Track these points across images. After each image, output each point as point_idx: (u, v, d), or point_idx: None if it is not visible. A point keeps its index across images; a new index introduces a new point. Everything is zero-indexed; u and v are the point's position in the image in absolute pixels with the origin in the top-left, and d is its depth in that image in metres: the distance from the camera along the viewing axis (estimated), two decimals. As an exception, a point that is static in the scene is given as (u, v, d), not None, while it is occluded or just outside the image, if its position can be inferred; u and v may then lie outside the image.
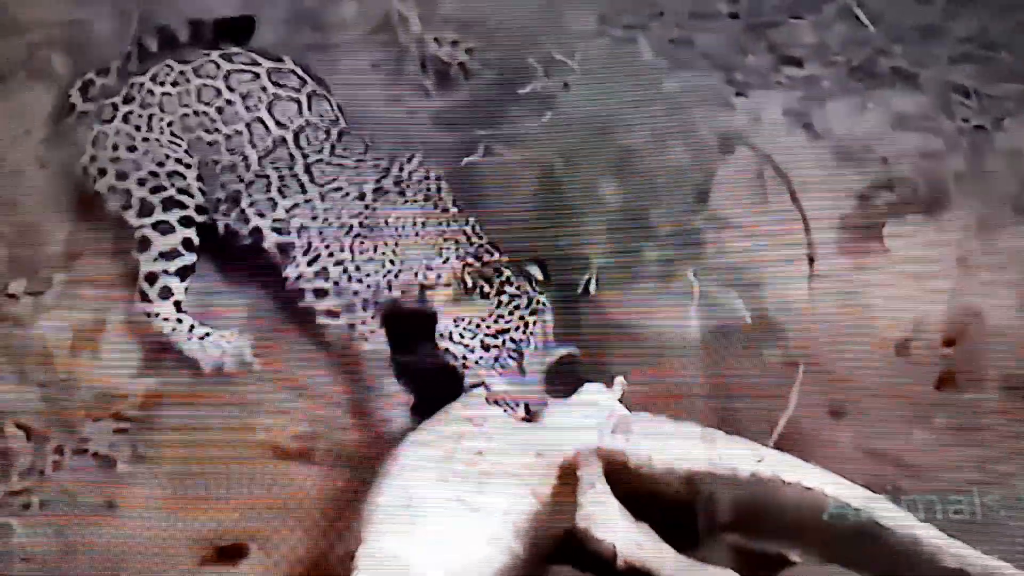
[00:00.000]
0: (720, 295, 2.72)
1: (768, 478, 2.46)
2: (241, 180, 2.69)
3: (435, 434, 2.45)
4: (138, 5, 2.91)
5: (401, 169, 2.71)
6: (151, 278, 2.60)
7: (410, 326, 2.67)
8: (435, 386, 2.62)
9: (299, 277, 2.65)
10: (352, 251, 2.63)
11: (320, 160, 2.71)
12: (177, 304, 2.60)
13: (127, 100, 2.73)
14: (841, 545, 2.47)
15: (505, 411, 2.54)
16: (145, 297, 2.60)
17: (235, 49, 2.77)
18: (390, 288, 2.65)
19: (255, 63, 2.75)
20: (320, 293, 2.65)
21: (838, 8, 3.09)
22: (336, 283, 2.63)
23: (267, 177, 2.69)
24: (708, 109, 2.94)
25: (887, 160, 2.94)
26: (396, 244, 2.64)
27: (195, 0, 2.93)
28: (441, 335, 2.60)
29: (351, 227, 2.66)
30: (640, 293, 2.75)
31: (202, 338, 2.59)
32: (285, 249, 2.68)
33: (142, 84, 2.74)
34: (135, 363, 2.59)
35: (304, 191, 2.69)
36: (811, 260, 2.83)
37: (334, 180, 2.69)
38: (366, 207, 2.67)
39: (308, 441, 2.55)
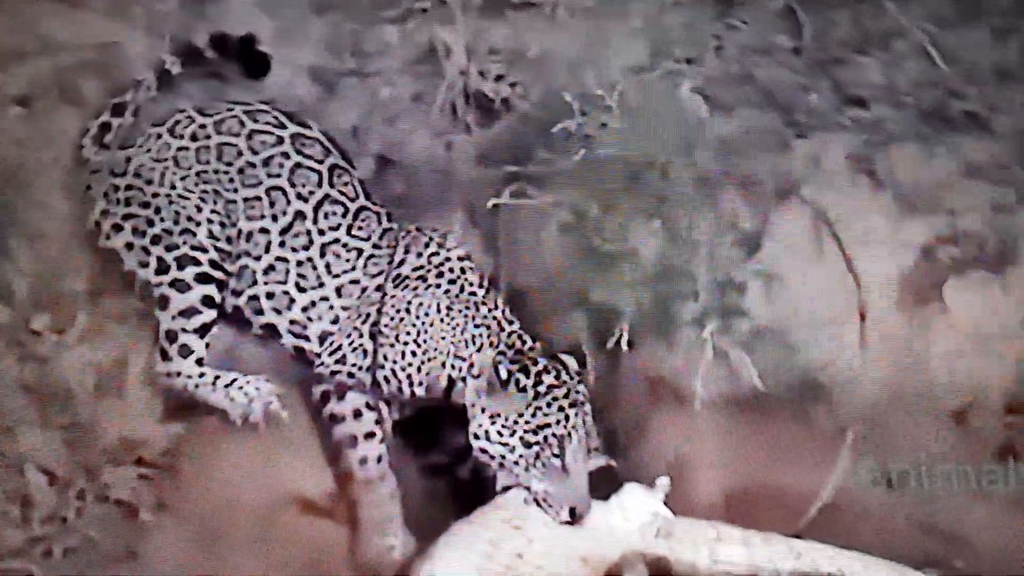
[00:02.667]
0: (733, 357, 2.67)
1: (809, 574, 2.50)
2: (257, 259, 2.68)
3: (471, 536, 2.45)
4: (170, 28, 2.92)
5: (419, 255, 2.69)
6: (171, 336, 2.62)
7: (436, 426, 2.66)
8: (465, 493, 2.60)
9: (321, 364, 2.64)
10: (372, 338, 2.61)
11: (336, 241, 2.69)
12: (199, 361, 2.61)
13: (140, 150, 2.72)
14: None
15: (547, 513, 2.49)
16: (165, 355, 2.62)
17: (261, 106, 2.75)
18: (411, 383, 2.62)
19: (281, 125, 2.73)
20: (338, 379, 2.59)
21: (910, 45, 3.04)
22: (351, 375, 2.60)
23: (285, 262, 2.68)
24: (765, 152, 2.92)
25: (954, 212, 2.90)
26: (419, 333, 2.62)
27: (229, 22, 2.94)
28: (476, 435, 2.54)
29: (367, 316, 2.64)
30: (676, 351, 2.72)
31: (228, 386, 2.60)
32: (302, 351, 2.69)
33: (159, 135, 2.73)
34: (160, 408, 2.62)
35: (321, 284, 2.68)
36: (862, 316, 2.80)
37: (351, 271, 2.68)
38: (384, 296, 2.65)
39: (335, 499, 2.58)
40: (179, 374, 2.61)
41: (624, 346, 2.67)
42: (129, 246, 2.68)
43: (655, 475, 2.64)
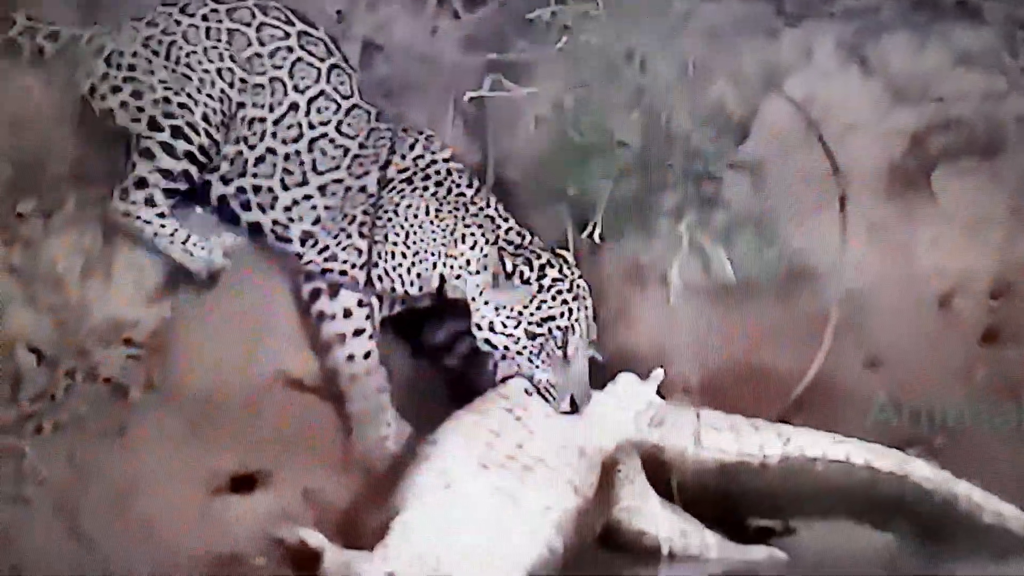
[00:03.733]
0: (710, 250, 2.70)
1: (796, 458, 2.57)
2: (252, 148, 2.72)
3: (474, 424, 2.50)
4: None
5: (404, 157, 2.72)
6: (141, 183, 2.67)
7: (435, 319, 2.69)
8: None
9: (309, 262, 2.67)
10: (362, 236, 2.64)
11: (325, 136, 2.73)
12: (160, 215, 2.67)
13: (150, 24, 2.78)
14: (877, 510, 2.58)
15: (548, 403, 2.55)
16: (125, 196, 2.66)
17: (270, 1, 2.79)
18: (403, 283, 2.66)
19: (289, 22, 2.78)
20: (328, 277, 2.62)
21: (901, -68, 3.06)
22: (343, 273, 2.63)
23: (274, 154, 2.72)
24: (753, 41, 2.93)
25: (944, 99, 2.93)
26: (407, 235, 2.66)
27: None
28: (479, 325, 2.60)
29: (354, 217, 2.68)
30: (654, 242, 2.75)
31: (184, 242, 2.66)
32: (285, 251, 2.73)
33: (169, 13, 2.78)
34: (147, 289, 2.68)
35: (305, 182, 2.72)
36: (842, 202, 2.83)
37: (335, 169, 2.72)
38: (369, 197, 2.69)
39: (321, 378, 2.64)
40: (138, 218, 2.66)
41: (596, 239, 2.71)
42: (124, 105, 2.73)
43: (638, 361, 2.72)
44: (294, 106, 2.74)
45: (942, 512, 2.57)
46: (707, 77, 2.83)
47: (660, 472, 2.58)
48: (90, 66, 2.76)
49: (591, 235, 2.71)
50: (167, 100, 2.71)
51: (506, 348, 2.58)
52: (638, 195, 2.73)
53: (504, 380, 2.59)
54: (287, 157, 2.73)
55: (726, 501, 2.59)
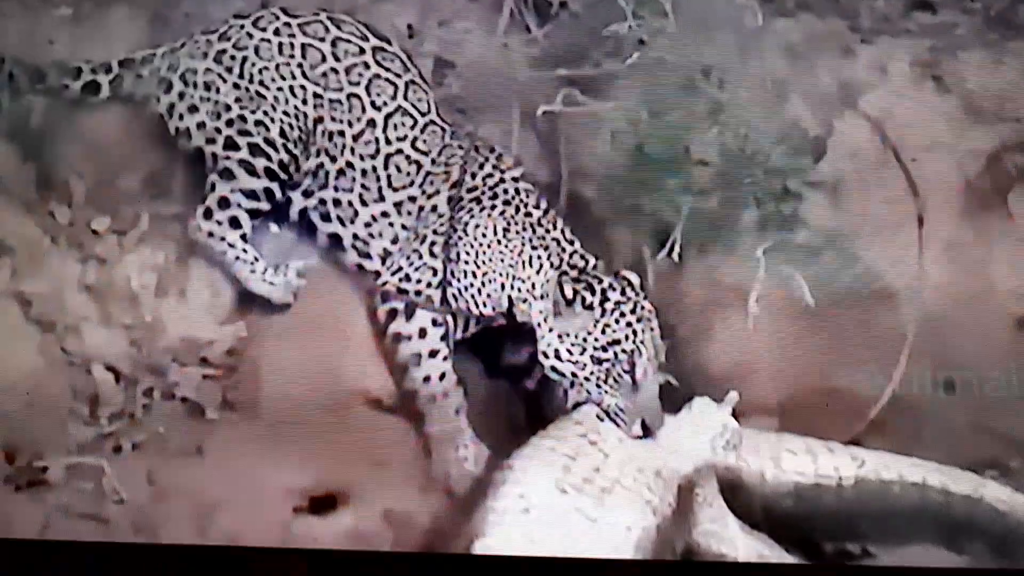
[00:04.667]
0: (786, 273, 2.71)
1: (871, 480, 2.59)
2: (333, 160, 2.75)
3: (550, 450, 2.51)
4: None
5: (474, 176, 2.73)
6: (224, 203, 2.69)
7: (504, 346, 2.70)
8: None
9: (385, 283, 2.69)
10: (434, 256, 2.66)
11: (400, 151, 2.75)
12: (243, 237, 2.70)
13: (222, 37, 2.80)
14: (951, 532, 2.60)
15: (619, 427, 2.55)
16: (209, 215, 2.69)
17: (344, 16, 2.81)
18: (476, 303, 2.68)
19: (364, 37, 2.79)
20: (402, 297, 2.64)
21: (977, -52, 3.06)
22: (418, 293, 2.66)
23: (353, 169, 2.73)
24: (828, 58, 2.95)
25: (1020, 120, 2.94)
26: (477, 255, 2.67)
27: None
28: (545, 354, 2.61)
29: (426, 236, 2.70)
30: (732, 261, 2.77)
31: (265, 272, 2.68)
32: (364, 268, 2.75)
33: (241, 26, 2.79)
34: (222, 308, 2.71)
35: (382, 198, 2.74)
36: (920, 222, 2.85)
37: (410, 186, 2.73)
38: (440, 216, 2.71)
39: (400, 398, 2.66)
40: (222, 239, 2.69)
41: (676, 257, 2.73)
42: (201, 125, 2.75)
43: (715, 381, 2.73)
44: (371, 122, 2.76)
45: (1017, 534, 2.59)
46: (783, 94, 2.84)
47: (738, 495, 2.59)
48: (166, 84, 2.79)
49: (670, 253, 2.73)
50: (243, 119, 2.73)
51: (574, 375, 2.58)
52: (717, 213, 2.74)
53: (576, 406, 2.60)
54: (364, 173, 2.75)
55: (803, 524, 2.60)
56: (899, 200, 2.88)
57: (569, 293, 2.57)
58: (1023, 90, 2.96)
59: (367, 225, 2.76)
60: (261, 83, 2.76)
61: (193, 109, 2.76)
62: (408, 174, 2.76)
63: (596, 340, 2.56)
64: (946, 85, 2.96)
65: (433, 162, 2.76)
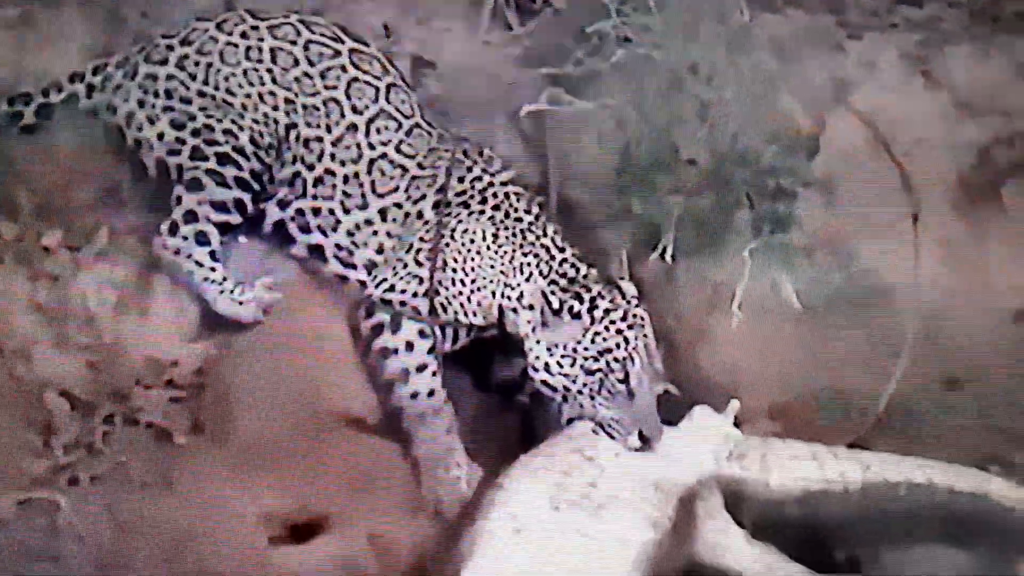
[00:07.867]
0: (776, 276, 2.70)
1: (878, 484, 2.56)
2: (310, 168, 2.69)
3: (542, 467, 2.46)
4: None
5: (461, 180, 2.69)
6: (190, 217, 2.60)
7: (495, 359, 2.65)
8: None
9: (370, 294, 2.62)
10: (419, 264, 2.60)
11: (384, 156, 2.70)
12: (212, 255, 2.60)
13: (184, 42, 2.72)
14: (957, 530, 2.57)
15: (615, 440, 2.49)
16: (175, 230, 2.60)
17: (315, 18, 2.76)
18: (466, 312, 2.62)
19: (338, 39, 2.74)
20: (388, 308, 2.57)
21: (962, -57, 3.13)
22: (403, 304, 2.58)
23: (333, 176, 2.68)
24: (816, 53, 2.98)
25: (1010, 113, 2.98)
26: (465, 260, 2.62)
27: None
28: (535, 367, 2.55)
29: (411, 244, 2.65)
30: (723, 262, 2.75)
31: (232, 291, 2.58)
32: (345, 279, 2.69)
33: (205, 29, 2.72)
34: (188, 326, 2.61)
35: (366, 205, 2.68)
36: (915, 219, 2.87)
37: (395, 191, 2.68)
38: (426, 223, 2.66)
39: (384, 417, 2.57)
40: (188, 256, 2.60)
41: (668, 259, 2.70)
42: (161, 136, 2.67)
43: (714, 387, 2.69)
44: (352, 127, 2.70)
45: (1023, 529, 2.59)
46: (772, 91, 2.85)
47: (742, 505, 2.54)
48: (124, 92, 2.69)
49: (662, 255, 2.70)
50: (209, 128, 2.65)
51: (566, 389, 2.52)
52: (709, 213, 2.72)
53: (570, 421, 2.55)
54: (346, 179, 2.69)
55: (810, 532, 2.55)
56: (892, 196, 2.90)
57: (555, 303, 2.52)
58: (1012, 84, 3.01)
59: (350, 234, 2.70)
60: (228, 90, 2.68)
61: (154, 119, 2.67)
62: (392, 178, 2.70)
63: (586, 349, 2.51)
64: (935, 79, 3.00)
65: (419, 166, 2.71)
